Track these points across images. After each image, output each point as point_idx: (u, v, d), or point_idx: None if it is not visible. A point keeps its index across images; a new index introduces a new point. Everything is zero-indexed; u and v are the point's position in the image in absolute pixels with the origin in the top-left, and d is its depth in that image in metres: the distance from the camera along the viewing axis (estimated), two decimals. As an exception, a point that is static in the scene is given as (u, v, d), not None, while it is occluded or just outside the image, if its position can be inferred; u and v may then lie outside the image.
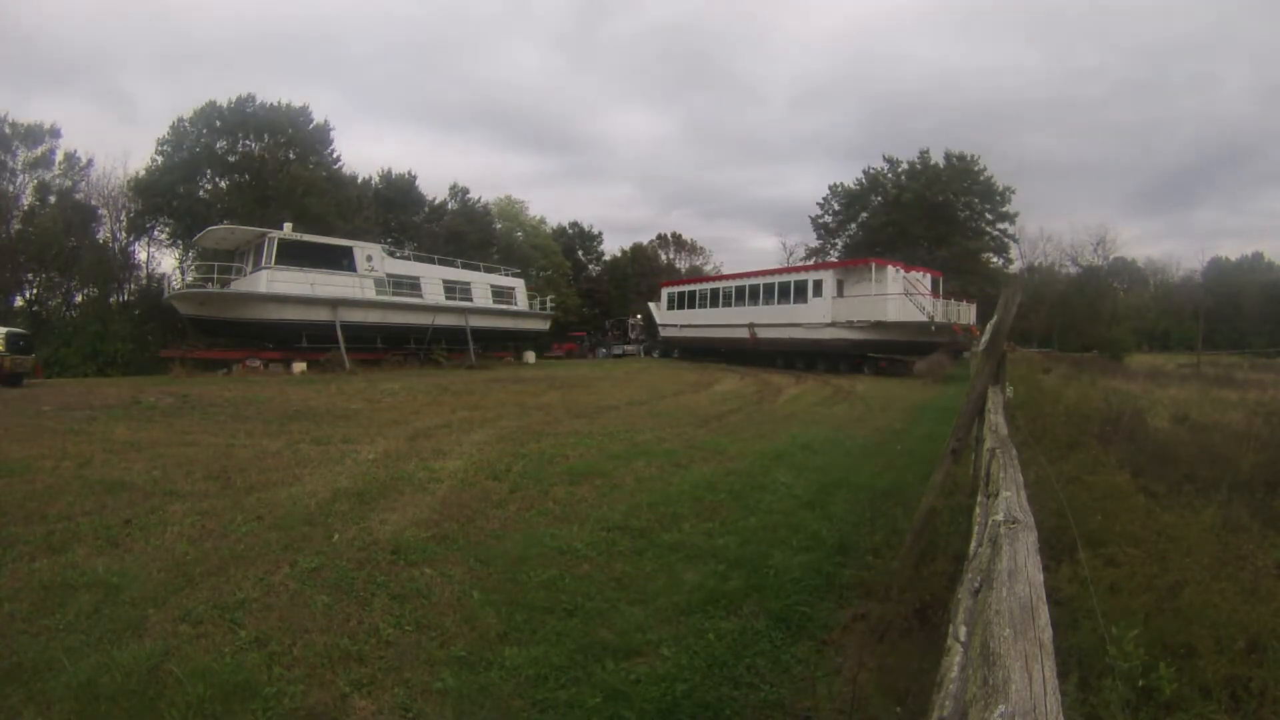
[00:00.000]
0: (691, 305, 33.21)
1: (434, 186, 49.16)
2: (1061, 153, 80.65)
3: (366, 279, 24.16)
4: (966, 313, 25.68)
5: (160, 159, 30.20)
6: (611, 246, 57.71)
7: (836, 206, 50.33)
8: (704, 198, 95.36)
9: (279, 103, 32.66)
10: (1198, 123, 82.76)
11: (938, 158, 45.16)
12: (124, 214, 29.55)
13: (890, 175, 47.34)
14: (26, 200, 28.31)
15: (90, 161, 29.44)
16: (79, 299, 28.59)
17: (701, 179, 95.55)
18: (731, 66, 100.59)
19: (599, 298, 51.50)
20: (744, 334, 29.08)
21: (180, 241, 29.81)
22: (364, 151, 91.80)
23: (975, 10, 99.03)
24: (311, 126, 33.75)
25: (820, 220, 51.10)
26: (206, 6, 76.34)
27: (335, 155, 35.40)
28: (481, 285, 28.90)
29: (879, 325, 23.91)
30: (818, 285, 26.35)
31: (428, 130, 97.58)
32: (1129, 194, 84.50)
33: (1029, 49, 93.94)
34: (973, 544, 2.44)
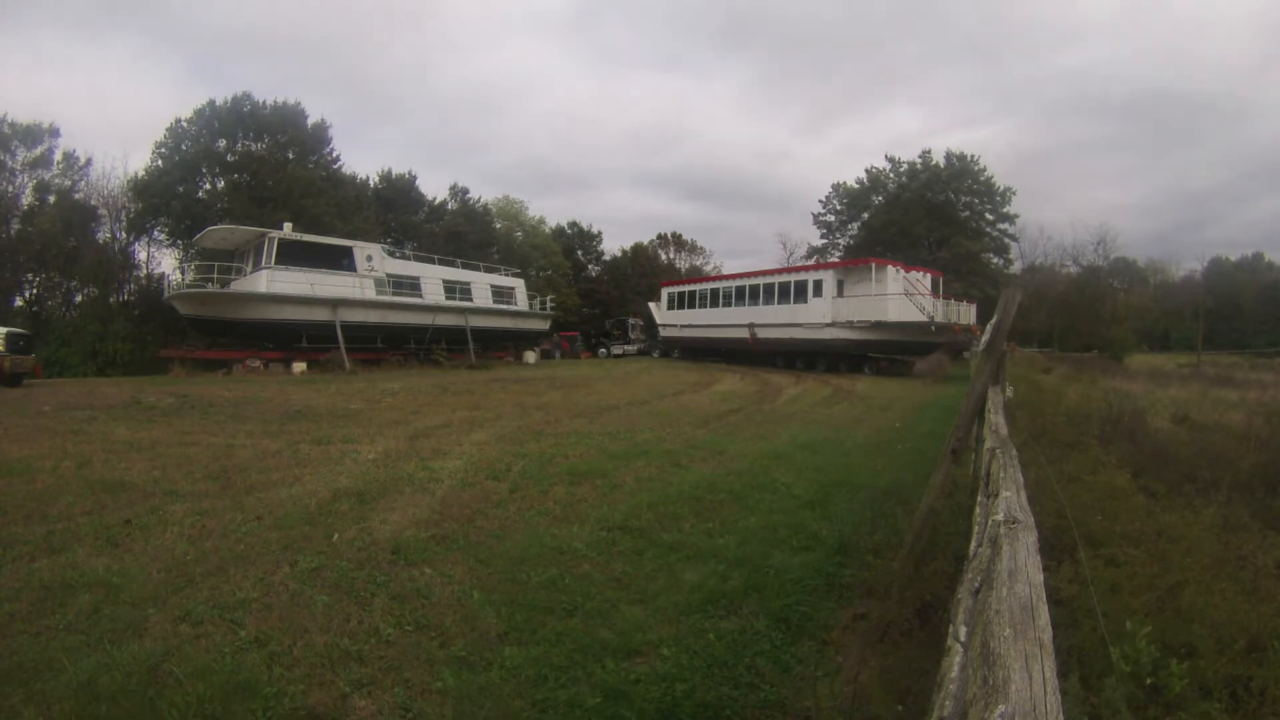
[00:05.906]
0: (691, 305, 33.20)
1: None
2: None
3: (366, 279, 24.16)
4: (966, 313, 25.70)
5: (159, 159, 30.21)
6: (612, 246, 57.68)
7: (839, 205, 50.34)
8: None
9: (277, 102, 32.67)
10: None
11: (938, 158, 45.26)
12: (124, 214, 29.52)
13: (892, 174, 47.37)
14: (26, 200, 28.28)
15: (89, 161, 29.46)
16: (79, 299, 28.51)
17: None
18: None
19: (599, 298, 51.43)
20: (744, 334, 29.06)
21: (180, 241, 29.81)
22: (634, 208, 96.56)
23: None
24: (310, 125, 33.73)
25: (822, 219, 51.18)
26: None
27: (334, 155, 35.42)
28: (481, 285, 28.91)
29: (879, 325, 23.91)
30: (818, 285, 26.35)
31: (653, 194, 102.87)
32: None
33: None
34: (973, 544, 2.44)
